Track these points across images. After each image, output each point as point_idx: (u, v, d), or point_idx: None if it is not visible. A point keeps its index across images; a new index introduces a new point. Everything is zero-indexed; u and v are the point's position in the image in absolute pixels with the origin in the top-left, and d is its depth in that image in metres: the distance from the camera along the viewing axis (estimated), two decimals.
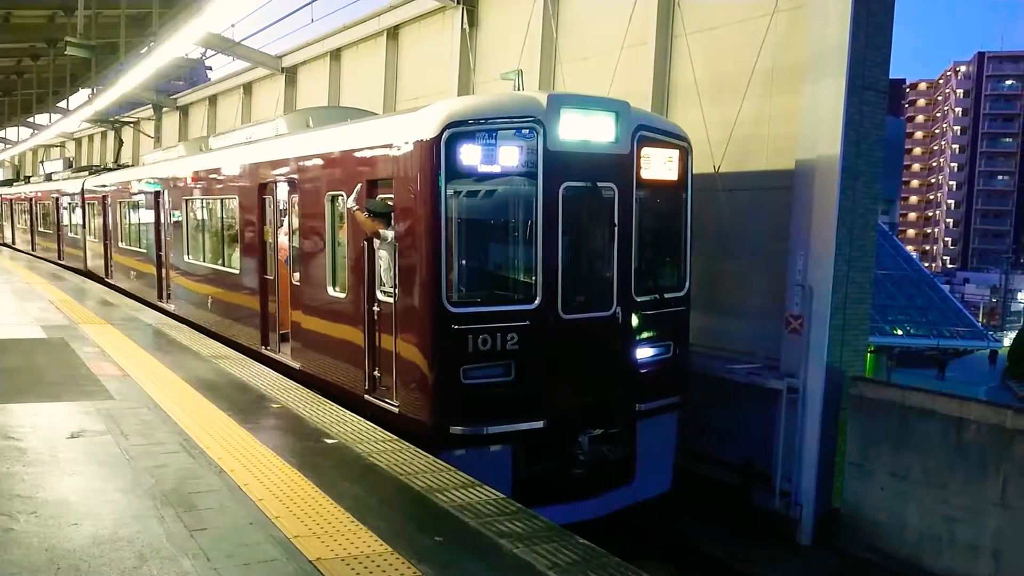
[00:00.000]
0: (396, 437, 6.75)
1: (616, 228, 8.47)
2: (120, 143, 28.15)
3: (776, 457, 10.06)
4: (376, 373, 8.58)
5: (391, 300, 8.22)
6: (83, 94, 29.20)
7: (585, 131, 8.18)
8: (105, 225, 21.21)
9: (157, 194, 16.44)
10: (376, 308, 8.53)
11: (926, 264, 69.95)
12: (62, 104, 35.41)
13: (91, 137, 44.40)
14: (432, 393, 7.78)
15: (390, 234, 8.17)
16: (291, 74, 23.68)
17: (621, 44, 12.57)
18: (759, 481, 10.24)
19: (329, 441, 6.58)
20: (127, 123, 32.05)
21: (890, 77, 10.39)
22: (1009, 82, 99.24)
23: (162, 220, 16.30)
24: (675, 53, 12.14)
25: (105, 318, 13.02)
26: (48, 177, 30.81)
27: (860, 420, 9.58)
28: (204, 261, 14.13)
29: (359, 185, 8.68)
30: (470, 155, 7.62)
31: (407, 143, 7.94)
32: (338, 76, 21.46)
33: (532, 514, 5.09)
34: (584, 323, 8.33)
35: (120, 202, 19.75)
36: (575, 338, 8.20)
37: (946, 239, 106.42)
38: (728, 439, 10.65)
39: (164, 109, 34.20)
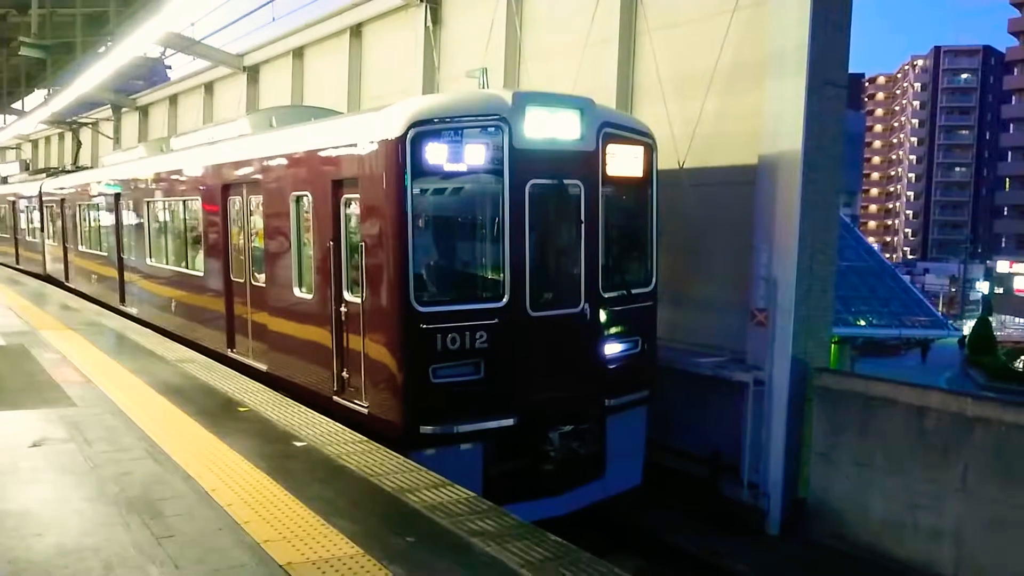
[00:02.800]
0: (366, 438, 6.73)
1: (583, 225, 8.52)
2: (78, 144, 27.66)
3: (743, 449, 10.18)
4: (344, 374, 8.54)
5: (359, 300, 8.18)
6: (39, 95, 28.61)
7: (550, 129, 8.20)
8: (64, 228, 20.84)
9: (117, 196, 16.18)
10: (344, 309, 8.48)
11: (887, 255, 71.27)
12: (17, 105, 34.66)
13: (48, 139, 43.54)
14: (401, 393, 7.75)
15: None
16: (253, 73, 23.41)
17: (585, 41, 12.62)
18: (727, 473, 10.36)
19: (298, 444, 6.54)
20: (85, 124, 31.45)
21: (849, 72, 10.55)
22: (965, 76, 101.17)
23: (123, 222, 16.04)
24: (638, 50, 12.22)
25: (66, 323, 12.79)
26: (4, 180, 30.18)
27: (825, 411, 9.73)
28: (167, 264, 13.93)
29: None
30: (436, 154, 7.61)
31: (372, 142, 7.90)
32: (301, 75, 21.26)
33: (503, 512, 5.10)
34: (552, 320, 8.35)
35: (79, 204, 19.40)
36: (544, 335, 8.22)
37: (906, 230, 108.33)
38: (696, 432, 10.76)
39: (123, 109, 33.63)
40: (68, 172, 23.05)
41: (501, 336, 7.94)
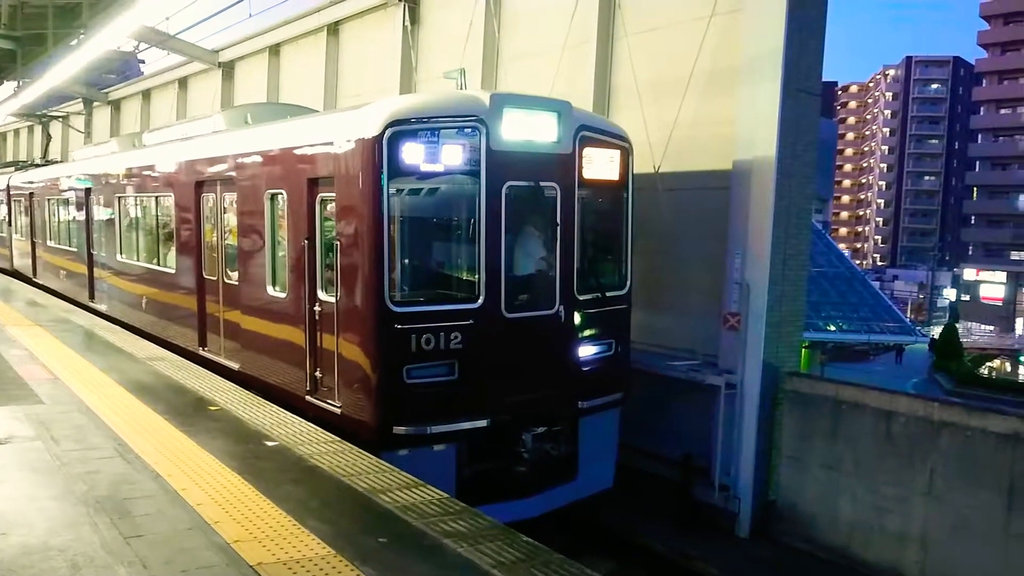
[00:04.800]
0: (339, 438, 6.70)
1: (559, 227, 8.54)
2: (48, 138, 27.27)
3: (715, 452, 10.27)
4: (318, 374, 8.49)
5: (333, 300, 8.14)
6: (8, 87, 28.10)
7: (527, 131, 8.22)
8: (32, 223, 20.53)
9: (88, 191, 15.96)
10: (318, 308, 8.44)
11: (857, 262, 72.18)
12: None
13: (17, 132, 42.84)
14: (375, 393, 7.73)
15: None
16: (228, 69, 23.20)
17: (563, 44, 12.66)
18: (698, 475, 10.44)
19: (270, 443, 6.49)
20: (55, 117, 30.96)
21: (823, 80, 10.68)
22: (935, 86, 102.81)
23: (93, 218, 15.83)
24: (616, 54, 12.29)
25: (34, 319, 12.58)
26: None
27: (795, 414, 9.85)
28: (138, 260, 13.77)
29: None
30: (413, 154, 7.60)
31: (349, 141, 7.86)
32: (277, 72, 21.11)
33: (476, 513, 5.10)
34: (527, 322, 8.37)
35: (48, 199, 19.12)
36: (518, 337, 8.24)
37: (876, 237, 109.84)
38: (668, 435, 10.83)
39: (95, 103, 33.18)
40: (37, 166, 22.70)
41: (476, 337, 7.94)
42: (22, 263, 21.64)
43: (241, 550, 4.45)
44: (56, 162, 23.46)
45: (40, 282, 19.67)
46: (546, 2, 13.43)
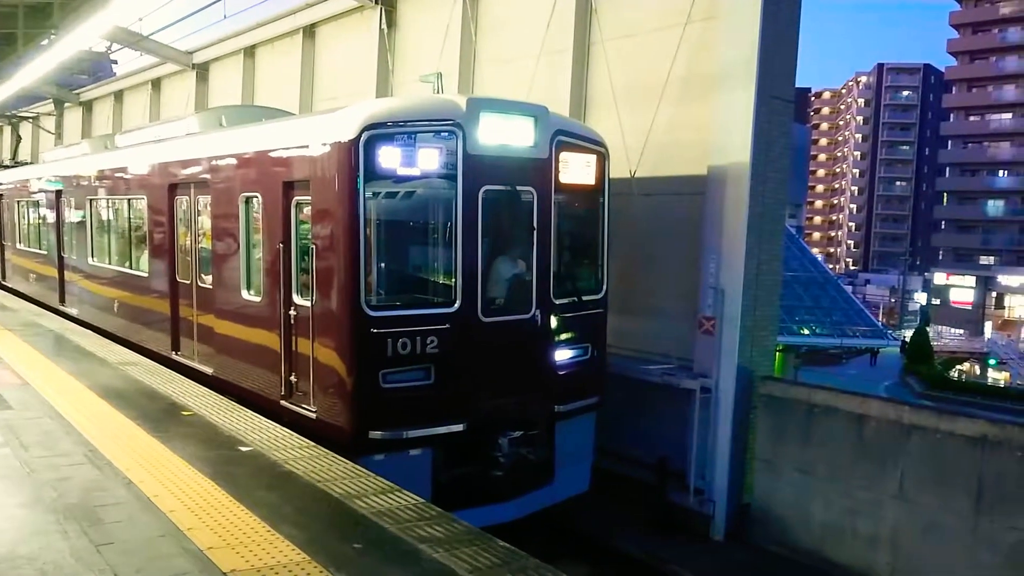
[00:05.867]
0: (314, 443, 6.66)
1: (535, 231, 8.56)
2: (18, 139, 26.88)
3: (690, 455, 10.32)
4: (293, 378, 8.43)
5: (308, 304, 8.09)
6: None
7: (504, 135, 8.23)
8: (1, 225, 20.22)
9: (59, 193, 15.75)
10: (293, 312, 8.39)
11: (830, 266, 72.90)
12: None
13: None
14: (351, 398, 7.69)
15: None
16: (203, 71, 22.99)
17: (540, 49, 12.69)
18: (674, 479, 10.49)
19: (244, 449, 6.44)
20: (26, 118, 30.57)
21: (796, 86, 10.80)
22: (906, 93, 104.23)
23: (64, 220, 15.62)
24: (593, 60, 12.34)
25: (2, 324, 12.38)
26: None
27: (769, 418, 9.93)
28: (110, 264, 13.60)
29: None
30: (389, 158, 7.58)
31: (325, 144, 7.83)
32: (252, 74, 20.96)
33: (452, 518, 5.10)
34: (504, 326, 8.38)
35: (18, 201, 18.85)
36: (495, 340, 8.24)
37: (848, 242, 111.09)
38: (644, 438, 10.88)
39: (66, 104, 32.75)
40: (6, 167, 22.36)
41: (452, 341, 7.93)
42: None
43: (214, 557, 4.41)
44: (26, 164, 23.11)
45: (9, 285, 19.38)
46: (523, 7, 13.45)
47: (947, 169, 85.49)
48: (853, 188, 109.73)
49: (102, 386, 8.40)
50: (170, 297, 11.18)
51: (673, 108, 10.96)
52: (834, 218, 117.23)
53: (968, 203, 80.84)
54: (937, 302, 72.86)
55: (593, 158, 9.17)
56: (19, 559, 4.31)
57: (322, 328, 7.95)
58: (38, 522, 4.83)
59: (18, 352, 10.09)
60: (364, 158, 7.47)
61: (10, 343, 10.70)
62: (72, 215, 15.15)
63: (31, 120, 32.81)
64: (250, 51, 20.90)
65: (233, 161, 9.74)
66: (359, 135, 7.46)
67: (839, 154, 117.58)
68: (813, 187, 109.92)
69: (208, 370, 10.07)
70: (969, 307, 69.63)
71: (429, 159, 7.78)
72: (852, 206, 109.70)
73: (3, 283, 19.83)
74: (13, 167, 21.90)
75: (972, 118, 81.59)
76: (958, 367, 51.52)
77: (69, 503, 5.14)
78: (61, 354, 10.18)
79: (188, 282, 10.80)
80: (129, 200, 12.85)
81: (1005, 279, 68.28)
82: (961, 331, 66.76)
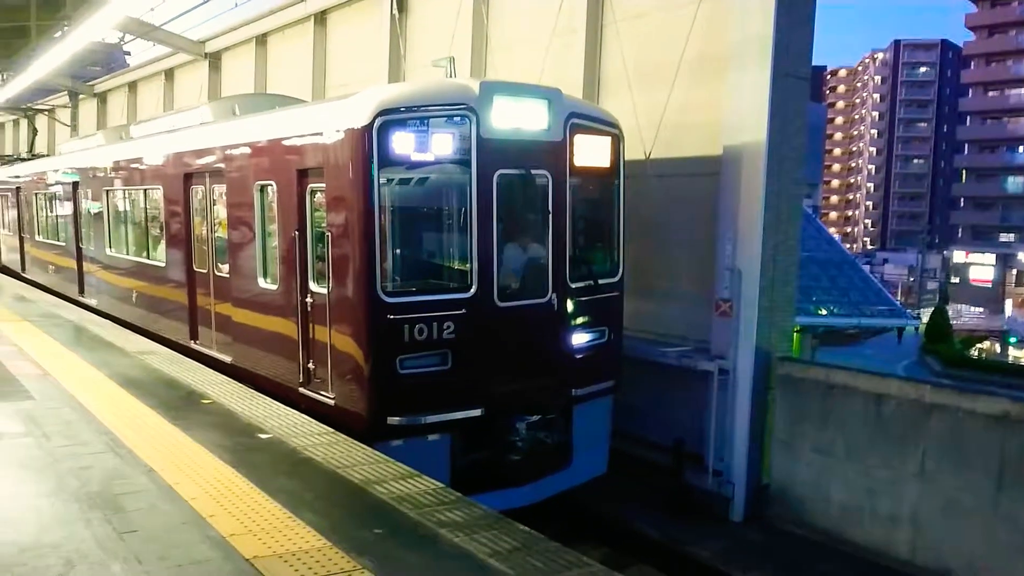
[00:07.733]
0: (332, 430, 6.69)
1: (550, 215, 8.52)
2: (34, 132, 27.07)
3: (708, 437, 10.30)
4: (310, 365, 8.47)
5: (324, 291, 8.11)
6: None
7: (518, 119, 8.18)
8: (20, 217, 20.40)
9: (76, 185, 15.85)
10: (309, 299, 8.41)
11: (847, 245, 72.49)
12: None
13: (2, 125, 42.48)
14: (368, 384, 7.71)
15: None
16: (215, 60, 23.03)
17: (552, 31, 12.60)
18: (691, 461, 10.48)
19: (263, 436, 6.48)
20: (41, 111, 30.77)
21: (812, 64, 10.66)
22: (923, 69, 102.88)
23: (81, 212, 15.73)
24: (605, 40, 12.23)
25: (22, 315, 12.51)
26: None
27: (787, 399, 9.88)
28: (128, 254, 13.69)
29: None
30: (403, 143, 7.55)
31: (338, 131, 7.82)
32: (264, 62, 20.97)
33: (471, 503, 5.11)
34: (520, 310, 8.37)
35: (36, 193, 18.99)
36: (511, 325, 8.23)
37: (866, 221, 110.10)
38: (661, 421, 10.85)
39: (80, 96, 32.90)
40: (24, 160, 22.52)
41: (468, 326, 7.93)
42: (10, 258, 21.51)
43: (236, 544, 4.45)
44: (43, 156, 23.27)
45: (29, 277, 19.56)
46: None
47: (965, 146, 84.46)
48: (870, 167, 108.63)
49: (121, 375, 8.47)
50: (187, 286, 11.24)
51: (687, 88, 10.85)
52: (851, 197, 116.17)
53: (987, 180, 79.91)
54: (956, 280, 72.18)
55: (607, 140, 9.11)
56: (44, 547, 4.36)
57: (338, 315, 7.96)
58: (61, 511, 4.89)
59: (38, 343, 10.18)
60: (378, 144, 7.45)
61: (30, 334, 10.80)
62: (89, 206, 15.25)
63: (47, 113, 33.02)
64: (262, 39, 20.89)
65: (247, 150, 9.75)
66: (372, 121, 7.43)
67: (855, 132, 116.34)
68: (829, 166, 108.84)
69: (226, 358, 10.13)
70: (988, 285, 68.95)
71: (443, 144, 7.75)
72: (869, 185, 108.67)
73: (23, 275, 20.01)
74: (31, 160, 22.04)
75: (991, 93, 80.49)
76: (977, 346, 51.06)
77: (91, 491, 5.19)
78: (80, 344, 10.27)
79: (205, 271, 10.86)
80: (145, 191, 12.91)
81: None
82: (980, 310, 66.15)
